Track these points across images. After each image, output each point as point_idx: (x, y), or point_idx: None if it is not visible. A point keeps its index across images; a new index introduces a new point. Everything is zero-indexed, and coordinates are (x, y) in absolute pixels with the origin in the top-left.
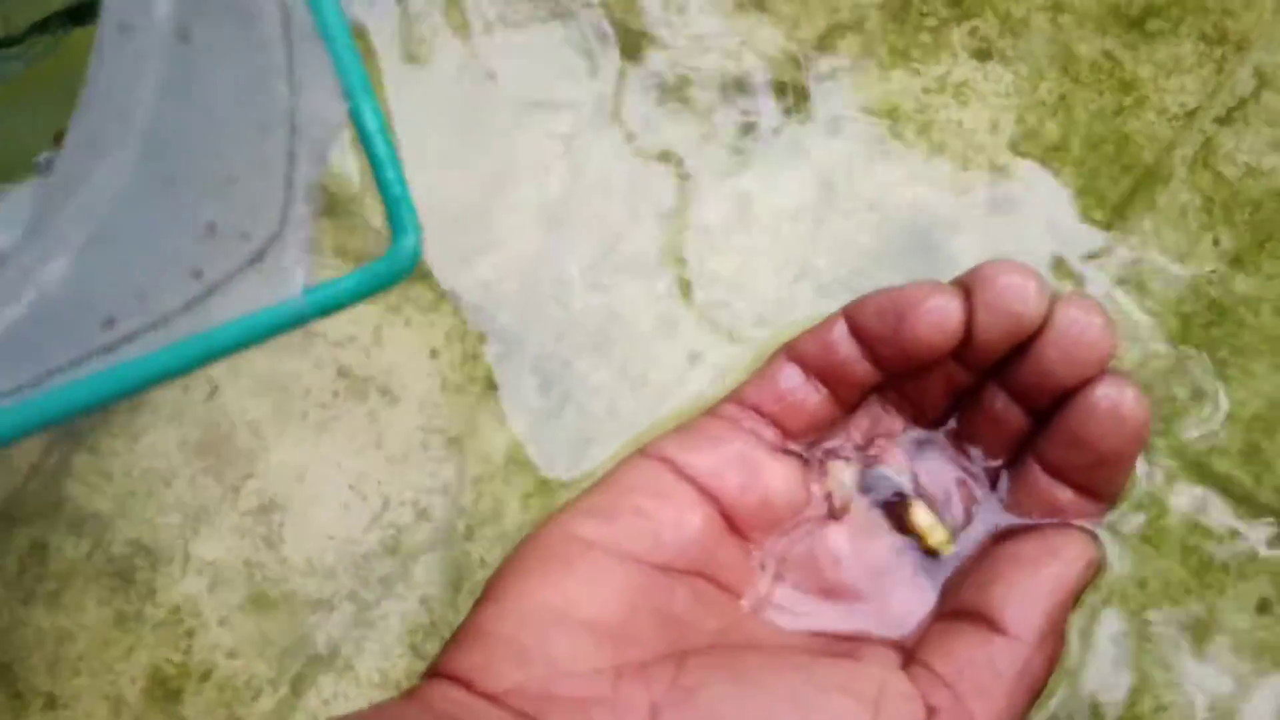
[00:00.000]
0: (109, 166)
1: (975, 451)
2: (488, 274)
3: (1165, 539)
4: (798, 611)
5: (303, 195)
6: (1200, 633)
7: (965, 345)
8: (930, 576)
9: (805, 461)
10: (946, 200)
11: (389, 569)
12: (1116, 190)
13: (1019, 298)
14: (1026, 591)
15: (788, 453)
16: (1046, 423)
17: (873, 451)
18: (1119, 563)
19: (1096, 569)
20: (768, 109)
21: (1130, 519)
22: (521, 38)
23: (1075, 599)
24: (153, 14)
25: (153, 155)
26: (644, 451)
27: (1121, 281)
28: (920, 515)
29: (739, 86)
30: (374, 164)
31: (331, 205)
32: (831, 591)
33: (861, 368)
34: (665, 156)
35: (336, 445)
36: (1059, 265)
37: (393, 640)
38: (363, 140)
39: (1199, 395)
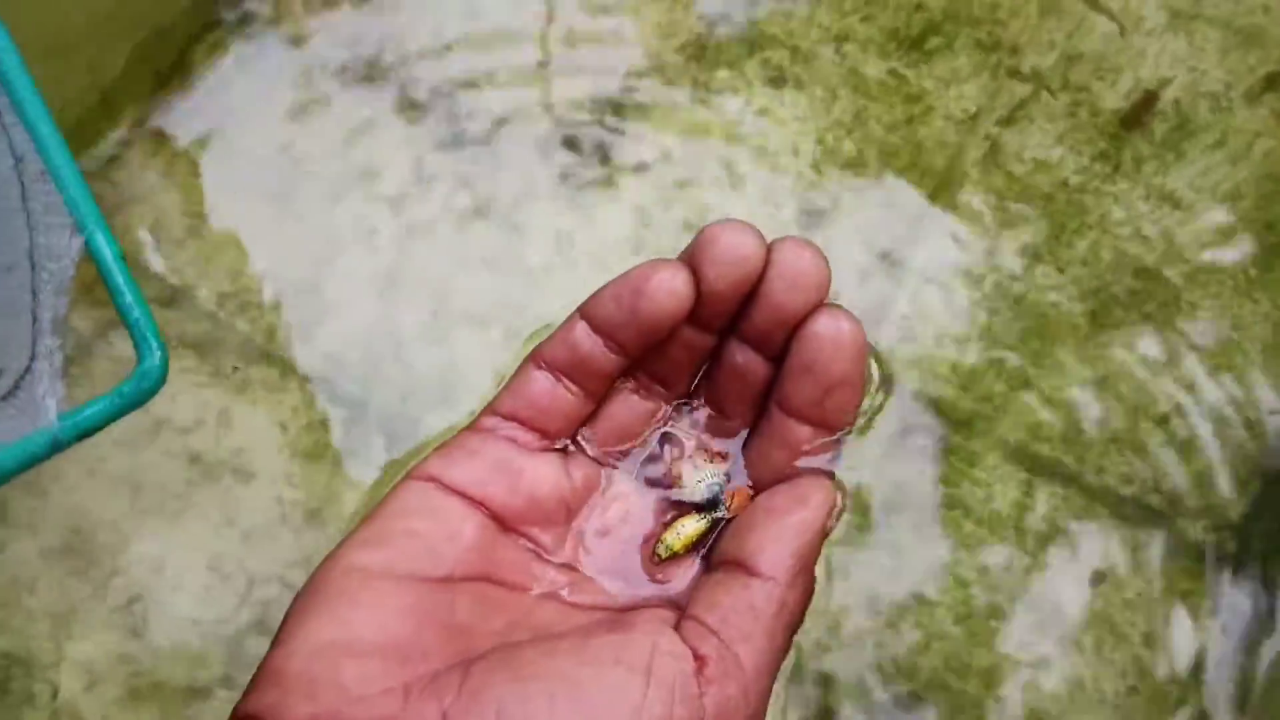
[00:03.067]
0: None
1: (723, 418)
2: (328, 345)
3: (998, 523)
4: (581, 593)
5: (48, 328)
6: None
7: (699, 306)
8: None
9: (566, 454)
10: (760, 216)
11: (262, 648)
12: (915, 197)
13: (741, 245)
14: (777, 537)
15: (549, 450)
16: (781, 366)
17: (639, 440)
18: (957, 549)
19: (838, 511)
20: (582, 155)
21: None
22: (331, 109)
23: (821, 539)
24: None
25: None
26: (410, 474)
27: (928, 280)
28: (689, 526)
29: (553, 137)
30: (112, 292)
31: (171, 298)
32: (607, 569)
33: (606, 359)
34: (485, 209)
35: (194, 531)
36: (865, 274)
37: None
38: (100, 270)
39: (1016, 387)
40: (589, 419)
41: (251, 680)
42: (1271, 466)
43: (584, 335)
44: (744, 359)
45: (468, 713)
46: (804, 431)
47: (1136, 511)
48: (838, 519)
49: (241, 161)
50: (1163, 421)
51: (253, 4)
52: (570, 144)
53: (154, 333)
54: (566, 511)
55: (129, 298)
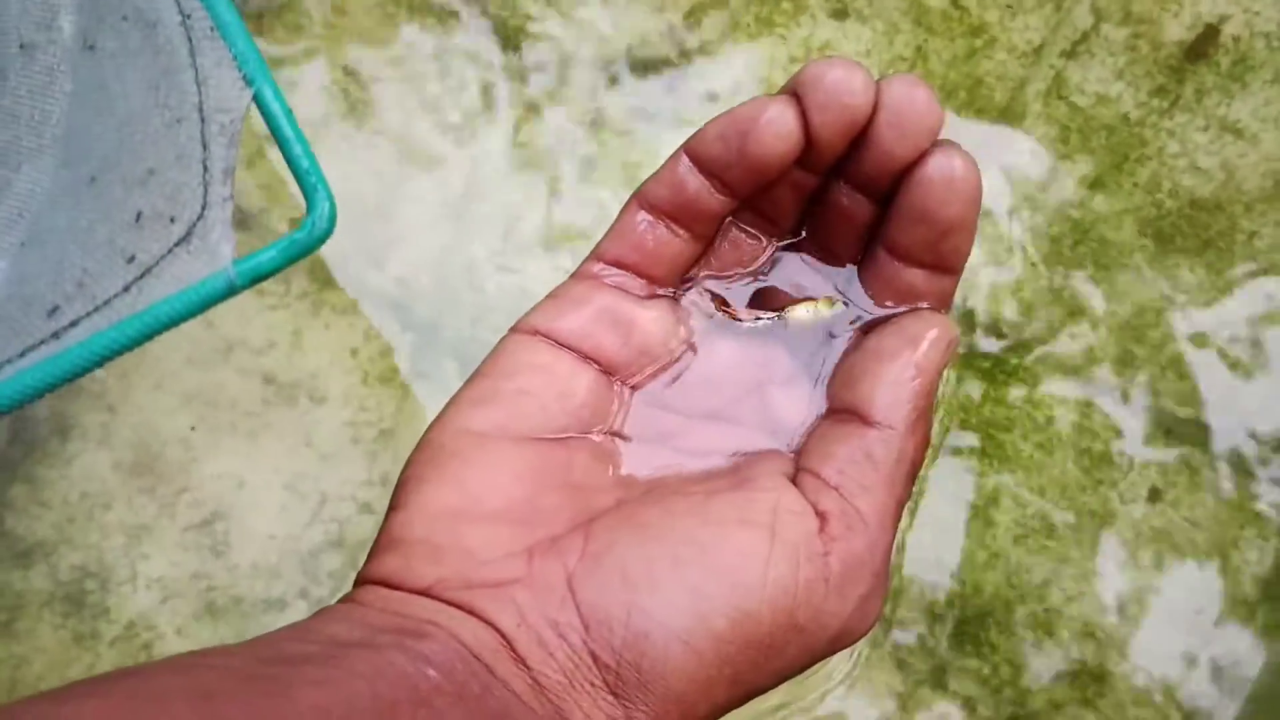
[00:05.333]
0: (28, 174)
1: (830, 258)
2: (399, 270)
3: (1057, 445)
4: (686, 440)
5: (220, 178)
6: (1099, 524)
7: (807, 148)
8: (807, 375)
9: (676, 300)
10: None
11: (336, 563)
12: (978, 129)
13: (848, 89)
14: (892, 383)
15: (657, 297)
16: (889, 210)
17: (739, 274)
18: (1015, 470)
19: (952, 346)
20: (646, 87)
21: (1021, 430)
22: (400, 41)
23: (937, 380)
24: (56, 31)
25: (73, 158)
26: (516, 328)
27: (989, 213)
28: (800, 312)
29: (617, 67)
30: (281, 142)
31: (242, 220)
32: (718, 414)
33: (712, 198)
34: (554, 140)
35: (269, 450)
36: None
37: None
38: (268, 121)
39: (1075, 311)
40: (696, 262)
41: (373, 546)
42: None
43: (689, 175)
44: (850, 201)
45: (592, 575)
46: (914, 275)
47: (1189, 430)
48: (951, 355)
49: (312, 86)
50: (1207, 344)
51: None
52: (641, 72)
53: (322, 181)
54: (678, 359)
55: (298, 148)
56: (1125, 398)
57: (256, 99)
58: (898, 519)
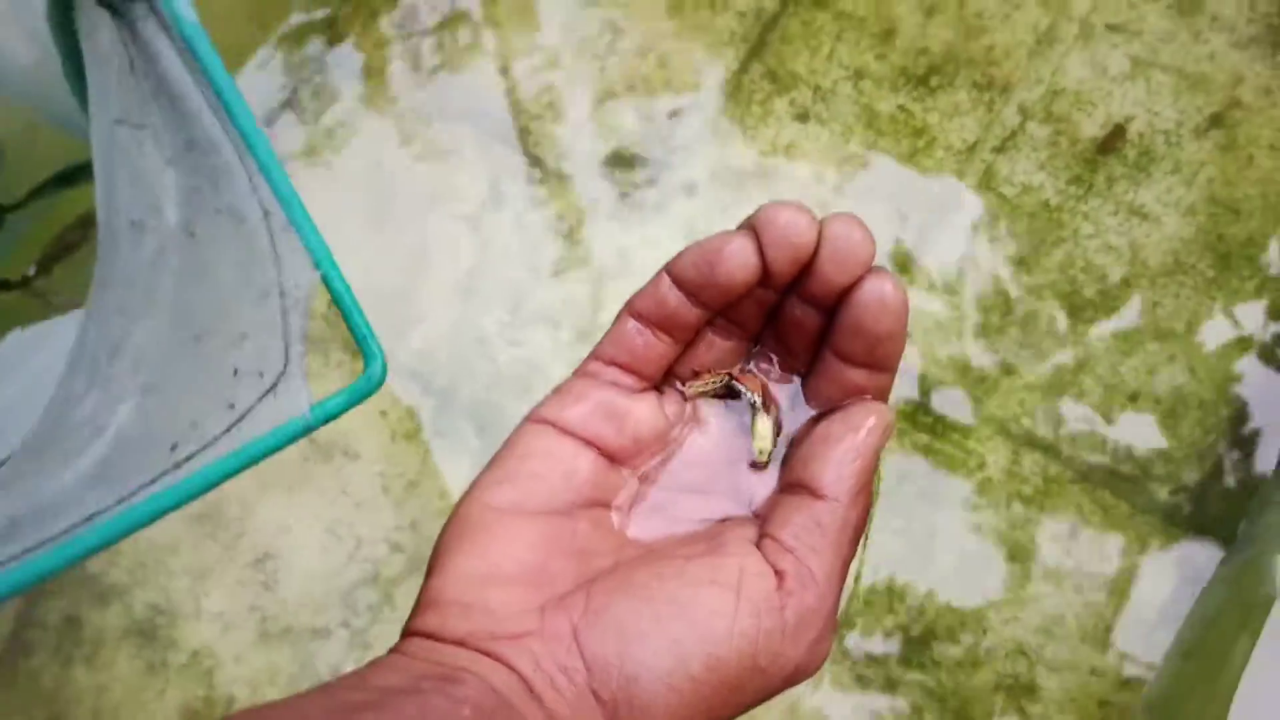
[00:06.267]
0: (145, 328)
1: (788, 357)
2: (419, 344)
3: (990, 489)
4: (674, 508)
5: (296, 340)
6: (1023, 553)
7: (765, 273)
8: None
9: (661, 393)
10: None
11: (373, 597)
12: (917, 217)
13: (795, 230)
14: (836, 462)
15: (645, 390)
16: (833, 321)
17: (719, 375)
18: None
19: (889, 431)
20: (636, 179)
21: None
22: (421, 139)
23: (876, 459)
24: (163, 216)
25: (181, 321)
26: (530, 417)
27: (930, 287)
28: (760, 426)
29: (609, 162)
30: (344, 312)
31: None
32: (698, 488)
33: (690, 311)
34: (554, 225)
35: (310, 500)
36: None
37: None
38: (333, 296)
39: (1006, 371)
40: (677, 360)
41: (415, 604)
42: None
43: (670, 292)
44: (801, 313)
45: (593, 628)
46: (857, 373)
47: (1106, 477)
48: (886, 437)
49: (337, 183)
50: (1133, 398)
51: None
52: (624, 173)
53: (376, 343)
54: (663, 442)
55: (357, 318)
56: (1050, 446)
57: (323, 279)
58: (844, 575)
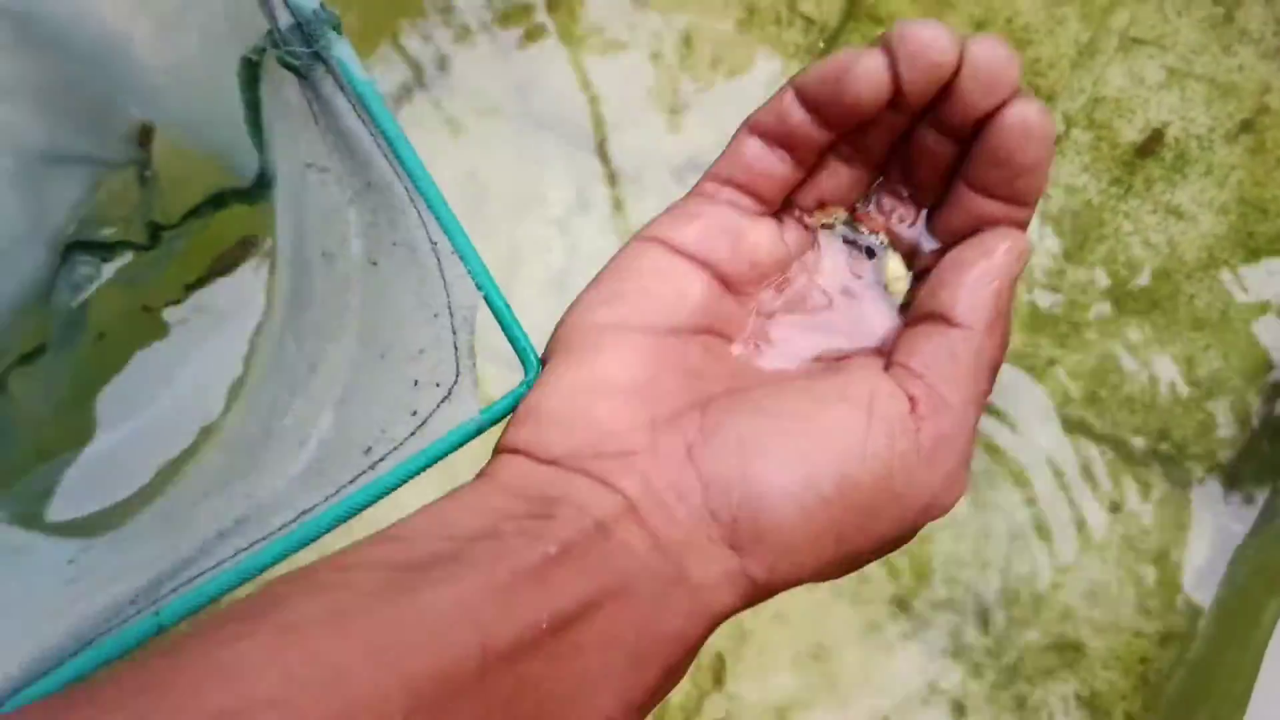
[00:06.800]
0: (337, 348)
1: (915, 190)
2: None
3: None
4: (793, 343)
5: (465, 353)
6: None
7: (896, 95)
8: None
9: (781, 220)
10: None
11: None
12: None
13: (936, 48)
14: (970, 287)
15: (764, 215)
16: (971, 151)
17: (843, 208)
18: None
19: (1025, 257)
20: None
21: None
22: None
23: (1012, 285)
24: (349, 248)
25: (367, 341)
26: (639, 236)
27: None
28: (893, 265)
29: (685, 168)
30: (503, 326)
31: None
32: (818, 322)
33: (814, 130)
34: (633, 231)
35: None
36: None
37: None
38: (494, 312)
39: (1051, 362)
40: (798, 186)
41: (511, 417)
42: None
43: (794, 107)
44: (935, 142)
45: (709, 444)
46: (993, 205)
47: (1147, 455)
48: (1023, 264)
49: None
50: (1171, 384)
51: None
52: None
53: (535, 354)
54: (782, 271)
55: (516, 331)
56: (1088, 428)
57: (485, 299)
58: (980, 409)
